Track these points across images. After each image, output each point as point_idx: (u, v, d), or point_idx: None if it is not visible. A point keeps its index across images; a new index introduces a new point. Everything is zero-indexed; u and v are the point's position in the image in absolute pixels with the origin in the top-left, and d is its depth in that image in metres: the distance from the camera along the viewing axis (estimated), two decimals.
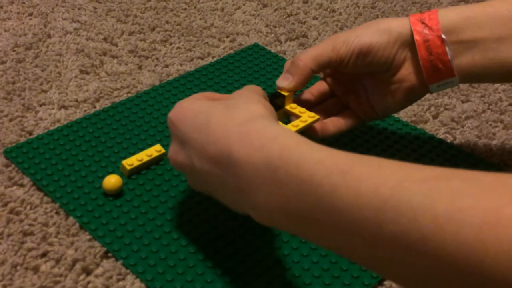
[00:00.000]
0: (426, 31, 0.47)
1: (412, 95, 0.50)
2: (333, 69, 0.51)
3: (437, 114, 0.60)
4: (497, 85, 0.64)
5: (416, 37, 0.47)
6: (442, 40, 0.46)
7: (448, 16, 0.47)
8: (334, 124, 0.51)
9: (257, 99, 0.41)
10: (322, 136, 0.50)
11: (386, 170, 0.31)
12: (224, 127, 0.38)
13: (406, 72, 0.48)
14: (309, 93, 0.53)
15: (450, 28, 0.46)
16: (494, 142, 0.57)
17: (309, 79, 0.49)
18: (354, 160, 0.33)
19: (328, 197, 0.31)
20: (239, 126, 0.37)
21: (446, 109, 0.61)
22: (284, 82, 0.49)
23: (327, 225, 0.32)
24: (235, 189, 0.37)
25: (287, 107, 0.49)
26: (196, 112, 0.40)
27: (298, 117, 0.48)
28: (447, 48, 0.46)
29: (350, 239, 0.31)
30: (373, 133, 0.57)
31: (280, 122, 0.47)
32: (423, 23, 0.47)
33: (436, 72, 0.47)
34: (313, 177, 0.32)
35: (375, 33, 0.47)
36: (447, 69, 0.47)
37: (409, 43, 0.48)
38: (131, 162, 0.50)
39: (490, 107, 0.61)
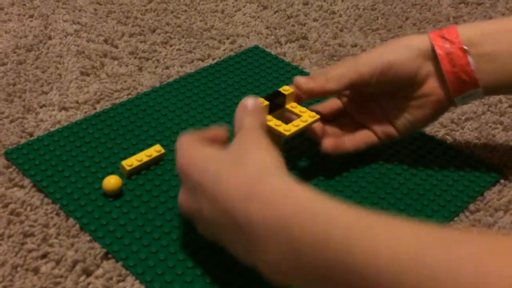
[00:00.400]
0: (447, 45, 0.47)
1: (438, 110, 0.50)
2: (353, 89, 0.51)
3: None
4: None
5: (438, 51, 0.47)
6: (464, 51, 0.47)
7: (466, 30, 0.47)
8: (351, 141, 0.51)
9: (265, 146, 0.40)
10: (338, 152, 0.50)
11: (404, 231, 0.30)
12: (235, 183, 0.37)
13: (430, 87, 0.49)
14: (321, 107, 0.53)
15: (469, 42, 0.47)
16: (494, 144, 0.57)
17: (326, 94, 0.49)
18: (370, 218, 0.32)
19: (344, 256, 0.30)
20: (251, 183, 0.36)
21: None
22: (303, 80, 0.49)
23: (341, 284, 0.31)
24: (245, 244, 0.36)
25: (288, 106, 0.49)
26: (205, 162, 0.39)
27: (298, 116, 0.48)
28: (470, 59, 0.47)
29: None
30: None
31: (280, 122, 0.47)
32: (443, 37, 0.47)
33: (461, 84, 0.48)
34: (328, 234, 0.31)
35: (396, 50, 0.48)
36: (471, 80, 0.47)
37: (431, 57, 0.48)
38: (131, 162, 0.50)
39: (490, 108, 0.61)
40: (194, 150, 0.41)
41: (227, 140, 0.45)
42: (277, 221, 0.34)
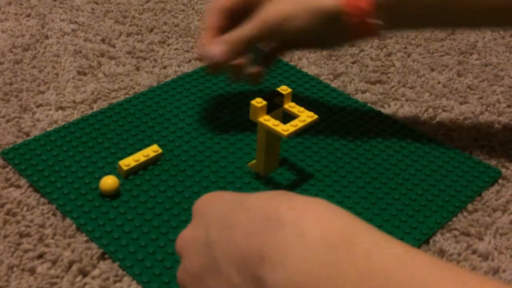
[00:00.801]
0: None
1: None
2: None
3: (435, 115, 0.60)
4: (494, 86, 0.64)
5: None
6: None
7: None
8: (239, 31, 0.51)
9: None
10: (230, 48, 0.51)
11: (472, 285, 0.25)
12: (264, 196, 0.31)
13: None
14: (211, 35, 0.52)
15: None
16: (492, 144, 0.56)
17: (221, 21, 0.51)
18: (435, 265, 0.26)
19: None
20: (282, 195, 0.31)
21: (444, 110, 0.61)
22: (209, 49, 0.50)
23: None
24: (250, 261, 0.29)
25: (286, 106, 0.49)
26: (228, 195, 0.35)
27: (296, 116, 0.48)
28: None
29: None
30: (370, 134, 0.57)
31: (278, 121, 0.47)
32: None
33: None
34: (387, 275, 0.26)
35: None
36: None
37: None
38: (128, 162, 0.50)
39: (488, 108, 0.61)
40: (217, 192, 0.36)
41: None
42: (320, 239, 0.28)
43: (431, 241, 0.47)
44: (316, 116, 0.48)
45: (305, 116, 0.47)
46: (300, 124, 0.47)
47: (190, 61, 0.67)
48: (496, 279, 0.26)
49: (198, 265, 0.32)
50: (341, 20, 0.49)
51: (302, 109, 0.48)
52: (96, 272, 0.43)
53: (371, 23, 0.49)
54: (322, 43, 0.54)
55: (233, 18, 0.52)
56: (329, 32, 0.51)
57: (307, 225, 0.28)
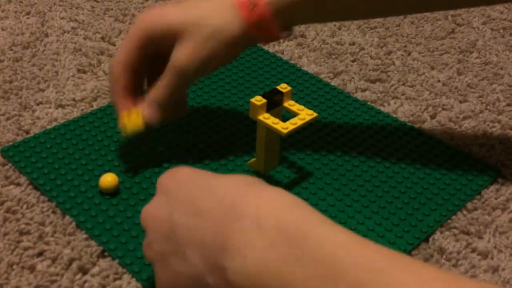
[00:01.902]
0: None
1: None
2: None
3: (435, 114, 0.60)
4: (494, 85, 0.64)
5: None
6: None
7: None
8: (156, 91, 0.49)
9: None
10: (158, 108, 0.49)
11: (422, 277, 0.27)
12: (227, 183, 0.34)
13: None
14: (122, 94, 0.49)
15: None
16: (491, 143, 0.57)
17: (126, 77, 0.48)
18: (388, 257, 0.28)
19: None
20: (248, 186, 0.33)
21: (444, 109, 0.61)
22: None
23: None
24: (214, 247, 0.31)
25: (286, 104, 0.49)
26: (192, 174, 0.36)
27: (296, 114, 0.48)
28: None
29: None
30: (370, 132, 0.57)
31: (278, 120, 0.47)
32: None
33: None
34: (336, 264, 0.28)
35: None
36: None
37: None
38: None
39: (488, 107, 0.61)
40: (184, 168, 0.38)
41: None
42: (275, 231, 0.30)
43: (430, 239, 0.47)
44: (315, 114, 0.48)
45: (304, 114, 0.48)
46: (300, 122, 0.47)
47: None
48: (435, 267, 0.28)
49: (162, 245, 0.35)
50: (253, 40, 0.49)
51: (301, 107, 0.48)
52: (95, 269, 0.43)
53: (280, 36, 0.48)
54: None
55: (140, 72, 0.50)
56: (239, 53, 0.50)
57: (265, 218, 0.30)
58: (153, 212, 0.36)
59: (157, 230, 0.35)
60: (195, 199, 0.34)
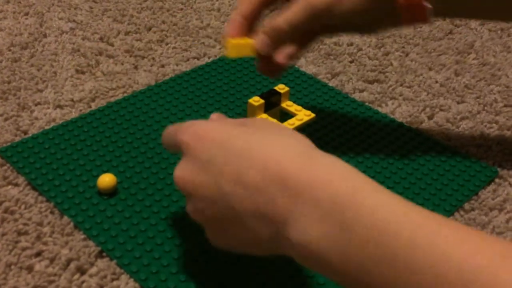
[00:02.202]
0: None
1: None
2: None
3: (432, 115, 0.60)
4: (492, 86, 0.65)
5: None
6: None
7: None
8: (282, 17, 0.46)
9: (285, 129, 0.37)
10: (274, 36, 0.47)
11: (478, 240, 0.28)
12: (277, 153, 0.33)
13: None
14: (240, 17, 0.48)
15: None
16: (489, 143, 0.57)
17: (252, 3, 0.47)
18: (441, 221, 0.30)
19: (404, 253, 0.28)
20: (299, 154, 0.33)
21: (441, 110, 0.61)
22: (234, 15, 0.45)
23: (392, 281, 0.29)
24: (278, 220, 0.32)
25: (283, 105, 0.49)
26: (225, 135, 0.36)
27: (294, 115, 0.48)
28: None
29: None
30: (368, 133, 0.57)
31: (276, 120, 0.47)
32: None
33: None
34: (390, 227, 0.29)
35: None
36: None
37: None
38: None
39: (485, 108, 0.61)
40: (205, 126, 0.37)
41: None
42: (330, 201, 0.31)
43: None
44: (313, 115, 0.48)
45: (302, 115, 0.48)
46: (297, 123, 0.47)
47: (188, 60, 0.67)
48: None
49: (215, 212, 0.35)
50: (394, 2, 0.46)
51: (299, 107, 0.49)
52: (93, 270, 0.43)
53: (425, 7, 0.46)
54: (367, 27, 0.50)
55: (264, 8, 0.48)
56: (378, 15, 0.47)
57: (321, 190, 0.31)
58: (192, 179, 0.36)
59: (205, 197, 0.35)
60: (237, 169, 0.34)
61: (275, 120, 0.47)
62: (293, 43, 0.48)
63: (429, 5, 0.46)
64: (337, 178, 0.32)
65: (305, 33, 0.48)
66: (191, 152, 0.37)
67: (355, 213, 0.30)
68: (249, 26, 0.48)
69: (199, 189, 0.36)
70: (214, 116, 0.42)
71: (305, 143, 0.35)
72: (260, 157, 0.34)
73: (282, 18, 0.46)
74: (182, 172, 0.37)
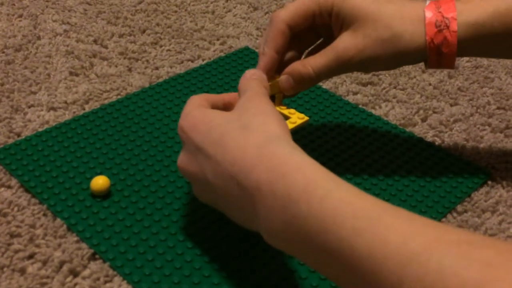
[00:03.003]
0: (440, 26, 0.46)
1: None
2: (312, 23, 0.48)
3: (426, 117, 0.60)
4: (485, 88, 0.65)
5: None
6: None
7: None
8: (310, 64, 0.47)
9: (272, 113, 0.39)
10: (300, 81, 0.47)
11: (417, 225, 0.30)
12: (242, 147, 0.37)
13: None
14: (273, 52, 0.48)
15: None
16: (482, 145, 0.57)
17: (285, 38, 0.47)
18: (383, 207, 0.32)
19: (349, 240, 0.30)
20: (258, 149, 0.36)
21: (434, 112, 0.61)
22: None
23: (342, 266, 0.31)
24: (249, 211, 0.36)
25: (277, 107, 0.49)
26: (209, 125, 0.39)
27: (287, 118, 0.48)
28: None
29: (367, 286, 0.30)
30: (362, 135, 0.57)
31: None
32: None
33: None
34: (336, 217, 0.31)
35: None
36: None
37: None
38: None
39: (478, 110, 0.62)
40: (199, 112, 0.41)
41: None
42: (286, 194, 0.33)
43: None
44: (307, 118, 0.48)
45: (296, 118, 0.48)
46: (291, 126, 0.47)
47: (182, 62, 0.67)
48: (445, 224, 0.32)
49: (208, 197, 0.41)
50: (423, 60, 0.47)
51: (293, 110, 0.49)
52: (86, 272, 0.43)
53: (454, 66, 0.47)
54: (391, 68, 0.51)
55: (293, 38, 0.49)
56: (402, 62, 0.48)
57: (277, 185, 0.34)
58: (186, 167, 0.41)
59: (199, 184, 0.40)
60: (215, 159, 0.37)
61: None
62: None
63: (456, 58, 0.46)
64: (292, 170, 0.34)
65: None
66: (185, 141, 0.41)
67: (307, 205, 0.33)
68: (280, 60, 0.49)
69: (192, 177, 0.41)
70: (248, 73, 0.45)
71: (269, 134, 0.37)
72: (229, 149, 0.37)
73: (309, 63, 0.47)
74: (181, 161, 0.41)
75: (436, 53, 0.46)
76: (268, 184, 0.34)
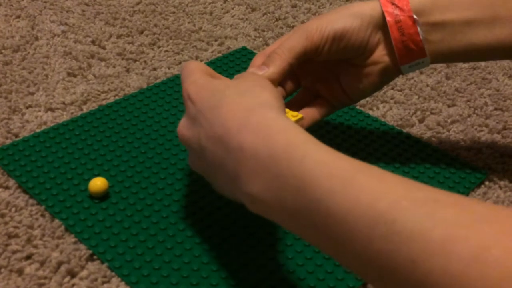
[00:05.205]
0: (397, 12, 0.47)
1: (386, 77, 0.50)
2: (306, 58, 0.49)
3: (423, 118, 0.60)
4: (482, 89, 0.65)
5: (388, 18, 0.47)
6: (414, 21, 0.47)
7: None
8: (308, 115, 0.50)
9: (270, 88, 0.41)
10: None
11: (387, 184, 0.31)
12: (234, 110, 0.38)
13: (380, 54, 0.48)
14: (280, 88, 0.51)
15: (419, 9, 0.47)
16: (479, 146, 0.57)
17: (286, 73, 0.47)
18: (358, 167, 0.32)
19: (325, 200, 0.31)
20: (248, 112, 0.37)
21: (432, 113, 0.61)
22: (260, 72, 0.46)
23: (319, 227, 0.32)
24: (233, 174, 0.37)
25: None
26: (212, 91, 0.41)
27: None
28: (418, 28, 0.47)
29: (340, 247, 0.31)
30: (359, 137, 0.57)
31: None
32: (393, 4, 0.47)
33: (408, 53, 0.48)
34: (313, 177, 0.32)
35: (348, 18, 0.47)
36: (419, 49, 0.48)
37: (381, 25, 0.48)
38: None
39: (476, 111, 0.62)
40: (205, 80, 0.42)
41: None
42: (268, 155, 0.34)
43: None
44: (301, 115, 0.48)
45: (290, 116, 0.48)
46: None
47: (180, 63, 0.67)
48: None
49: (200, 164, 0.41)
50: (383, 22, 0.48)
51: (287, 109, 0.49)
52: (84, 273, 0.43)
53: (414, 32, 0.47)
54: (362, 57, 0.49)
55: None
56: (370, 40, 0.48)
57: (259, 147, 0.35)
58: (185, 133, 0.41)
59: (193, 151, 0.41)
60: (209, 124, 0.38)
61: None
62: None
63: (419, 30, 0.47)
64: (274, 132, 0.35)
65: None
66: (188, 107, 0.42)
67: (287, 165, 0.33)
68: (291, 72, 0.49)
69: (188, 143, 0.41)
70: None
71: (261, 101, 0.39)
72: (222, 112, 0.38)
73: (313, 112, 0.51)
74: (181, 126, 0.42)
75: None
76: (251, 145, 0.35)
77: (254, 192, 0.35)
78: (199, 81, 0.42)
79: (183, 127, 0.42)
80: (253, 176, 0.35)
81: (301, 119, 0.48)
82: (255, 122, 0.36)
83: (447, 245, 0.26)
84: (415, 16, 0.47)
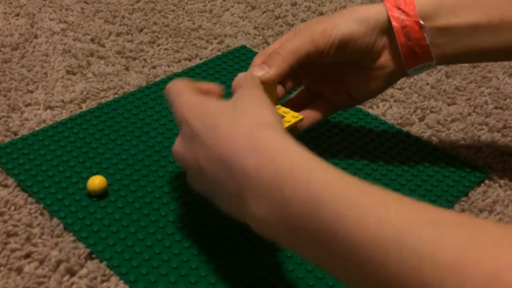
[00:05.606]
0: (403, 17, 0.47)
1: (391, 80, 0.50)
2: (310, 61, 0.49)
3: (423, 116, 0.60)
4: (482, 88, 0.65)
5: (394, 23, 0.47)
6: (420, 26, 0.47)
7: (423, 1, 0.47)
8: (309, 116, 0.50)
9: (266, 104, 0.40)
10: (298, 132, 0.49)
11: (393, 206, 0.30)
12: (233, 132, 0.37)
13: (386, 59, 0.48)
14: (279, 86, 0.51)
15: (425, 14, 0.47)
16: (479, 145, 0.57)
17: (286, 75, 0.47)
18: (362, 189, 0.32)
19: (331, 223, 0.31)
20: (248, 133, 0.37)
21: (432, 111, 0.61)
22: (260, 71, 0.46)
23: (326, 250, 0.31)
24: (236, 196, 0.36)
25: None
26: (205, 112, 0.40)
27: (281, 117, 0.48)
28: (425, 33, 0.47)
29: (349, 270, 0.31)
30: (359, 135, 0.57)
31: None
32: (399, 8, 0.47)
33: (415, 57, 0.48)
34: (318, 201, 0.32)
35: (353, 23, 0.47)
36: (424, 53, 0.48)
37: (387, 29, 0.48)
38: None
39: (476, 110, 0.62)
40: (197, 99, 0.41)
41: (221, 96, 0.46)
42: (272, 178, 0.34)
43: None
44: (301, 116, 0.48)
45: (290, 117, 0.48)
46: (286, 125, 0.47)
47: (179, 61, 0.67)
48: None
49: (200, 184, 0.41)
50: (388, 27, 0.47)
51: (287, 110, 0.48)
52: (83, 271, 0.43)
53: (420, 35, 0.47)
54: (367, 61, 0.49)
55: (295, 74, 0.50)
56: (375, 45, 0.48)
57: (264, 171, 0.35)
58: (181, 152, 0.41)
59: (192, 170, 0.40)
60: (208, 146, 0.38)
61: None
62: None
63: (424, 34, 0.47)
64: (278, 154, 0.35)
65: None
66: (181, 129, 0.41)
67: (291, 189, 0.33)
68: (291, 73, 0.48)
69: (186, 163, 0.41)
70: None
71: (261, 120, 0.38)
72: (221, 134, 0.37)
73: (314, 114, 0.51)
74: (177, 147, 0.42)
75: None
76: (255, 167, 0.35)
77: (259, 216, 0.35)
78: (191, 100, 0.41)
79: (179, 146, 0.41)
80: (257, 199, 0.34)
81: (301, 120, 0.48)
82: (258, 144, 0.36)
83: (459, 269, 0.26)
84: (421, 22, 0.46)
